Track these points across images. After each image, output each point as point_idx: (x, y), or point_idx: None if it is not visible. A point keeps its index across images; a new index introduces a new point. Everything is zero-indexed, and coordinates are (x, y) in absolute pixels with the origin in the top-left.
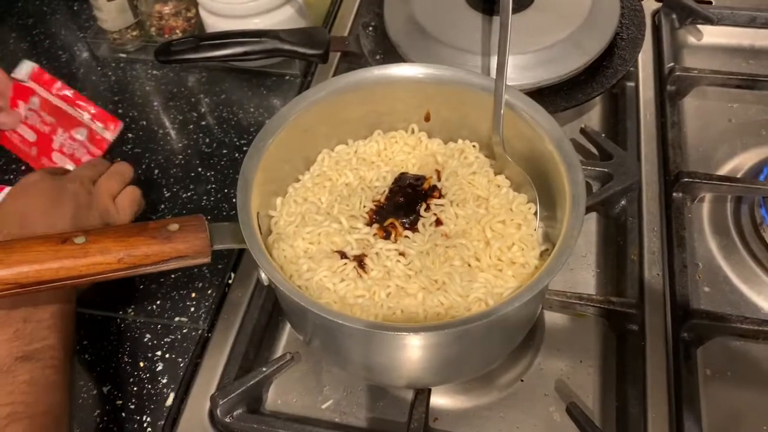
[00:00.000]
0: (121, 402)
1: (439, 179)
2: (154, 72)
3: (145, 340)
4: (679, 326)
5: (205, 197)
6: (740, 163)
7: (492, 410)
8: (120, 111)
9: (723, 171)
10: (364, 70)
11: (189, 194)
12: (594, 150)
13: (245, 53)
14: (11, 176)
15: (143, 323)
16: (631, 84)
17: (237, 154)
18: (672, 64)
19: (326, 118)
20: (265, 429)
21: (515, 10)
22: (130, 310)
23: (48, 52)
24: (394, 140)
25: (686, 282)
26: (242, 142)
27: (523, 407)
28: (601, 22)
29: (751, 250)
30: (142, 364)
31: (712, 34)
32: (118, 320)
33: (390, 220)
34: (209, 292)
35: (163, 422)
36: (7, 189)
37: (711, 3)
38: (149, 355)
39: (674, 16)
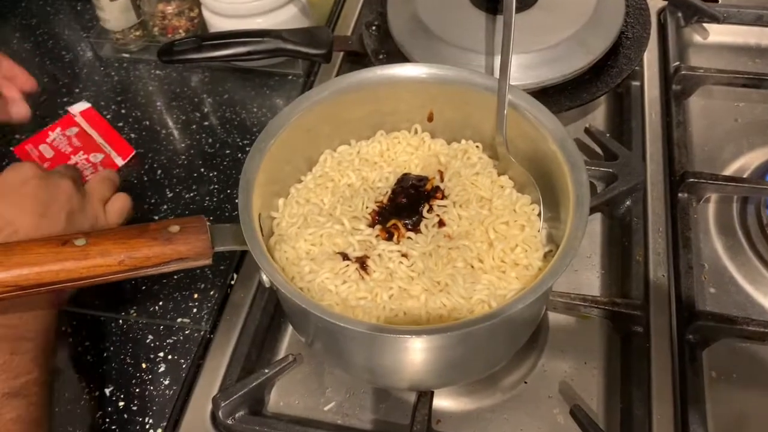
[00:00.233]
0: (123, 403)
1: (442, 180)
2: (157, 72)
3: (148, 341)
4: (684, 328)
5: (207, 198)
6: (746, 162)
7: (495, 412)
8: (123, 111)
9: (729, 171)
10: (367, 70)
11: (192, 195)
12: (599, 150)
13: (248, 53)
14: None
15: (145, 324)
16: (636, 83)
17: (240, 155)
18: (677, 63)
19: (329, 119)
20: (267, 431)
21: (519, 9)
22: (132, 312)
23: (51, 52)
24: (396, 141)
25: (692, 283)
26: (245, 142)
27: (526, 409)
28: (606, 20)
29: (758, 251)
30: (144, 366)
31: (718, 33)
32: (121, 321)
33: (393, 222)
34: (211, 293)
35: (165, 423)
36: None
37: (717, 1)
38: (151, 356)
39: (680, 14)
